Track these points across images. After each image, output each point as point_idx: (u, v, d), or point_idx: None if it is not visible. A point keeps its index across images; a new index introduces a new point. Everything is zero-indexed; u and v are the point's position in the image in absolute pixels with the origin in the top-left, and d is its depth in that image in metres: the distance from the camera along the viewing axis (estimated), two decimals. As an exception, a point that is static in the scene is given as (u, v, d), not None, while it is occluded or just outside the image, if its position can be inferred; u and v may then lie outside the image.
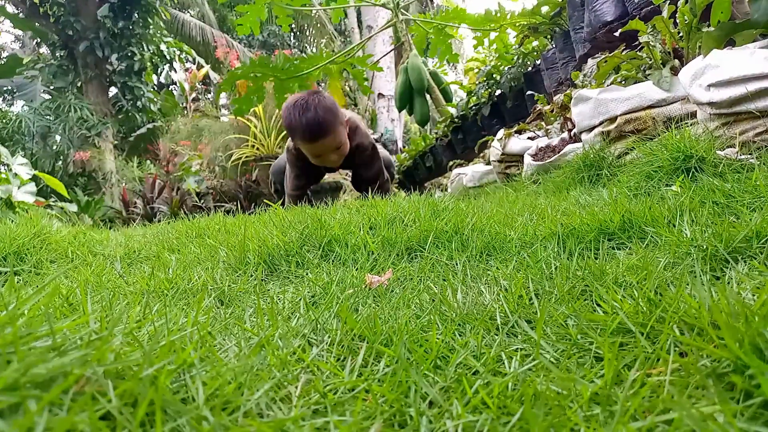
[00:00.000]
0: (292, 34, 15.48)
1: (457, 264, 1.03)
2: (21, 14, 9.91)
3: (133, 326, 0.58)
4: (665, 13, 1.95)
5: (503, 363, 0.58)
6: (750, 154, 1.35)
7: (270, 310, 0.76)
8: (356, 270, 1.05)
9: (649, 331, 0.59)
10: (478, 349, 0.62)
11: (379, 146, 2.81)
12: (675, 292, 0.64)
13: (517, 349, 0.62)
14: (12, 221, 2.00)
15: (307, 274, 1.06)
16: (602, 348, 0.55)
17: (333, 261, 1.15)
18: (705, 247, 0.85)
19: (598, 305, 0.71)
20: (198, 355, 0.51)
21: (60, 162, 9.53)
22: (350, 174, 2.81)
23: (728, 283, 0.74)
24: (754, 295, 0.65)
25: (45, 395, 0.36)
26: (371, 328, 0.66)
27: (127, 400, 0.42)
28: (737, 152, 1.39)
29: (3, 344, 0.42)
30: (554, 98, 2.76)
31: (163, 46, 10.17)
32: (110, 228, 2.42)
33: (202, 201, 6.50)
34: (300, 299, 0.87)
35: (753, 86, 1.35)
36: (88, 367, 0.42)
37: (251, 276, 1.08)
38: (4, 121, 10.00)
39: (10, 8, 10.18)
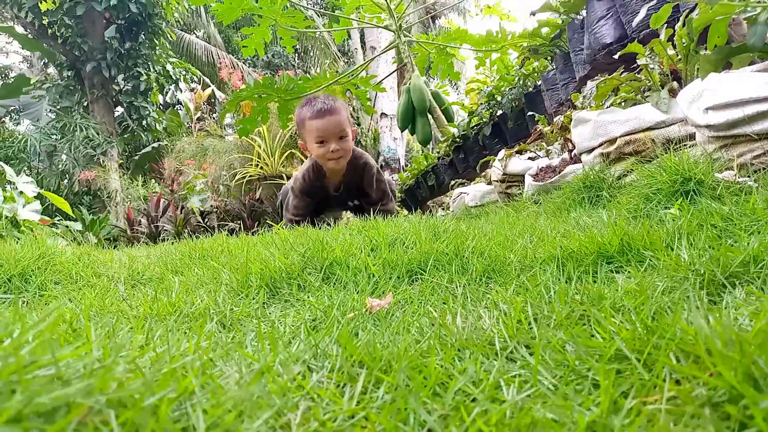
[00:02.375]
0: (296, 54, 15.66)
1: (457, 287, 1.03)
2: (30, 35, 10.07)
3: (136, 354, 0.59)
4: (663, 36, 1.98)
5: (502, 389, 0.59)
6: (748, 176, 1.36)
7: (271, 335, 0.77)
8: (357, 293, 1.06)
9: (646, 358, 0.60)
10: (476, 375, 0.62)
11: (387, 177, 2.96)
12: (672, 319, 0.65)
13: (516, 375, 0.63)
14: (17, 240, 2.01)
15: (308, 297, 1.06)
16: (599, 375, 0.56)
17: (334, 284, 1.16)
18: (702, 271, 0.85)
19: (596, 331, 0.72)
20: (199, 383, 0.52)
21: (65, 181, 9.62)
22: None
23: (725, 308, 0.74)
24: (751, 321, 0.66)
25: (49, 427, 0.37)
26: (371, 354, 0.67)
27: (129, 429, 0.42)
28: (735, 175, 1.40)
29: (7, 373, 0.43)
30: (555, 119, 2.79)
31: (169, 67, 10.29)
32: (115, 247, 2.44)
33: (206, 220, 6.52)
34: (301, 324, 0.88)
35: (750, 109, 1.37)
36: (92, 396, 0.43)
37: (253, 299, 1.08)
38: (10, 140, 10.10)
39: (20, 29, 10.35)
